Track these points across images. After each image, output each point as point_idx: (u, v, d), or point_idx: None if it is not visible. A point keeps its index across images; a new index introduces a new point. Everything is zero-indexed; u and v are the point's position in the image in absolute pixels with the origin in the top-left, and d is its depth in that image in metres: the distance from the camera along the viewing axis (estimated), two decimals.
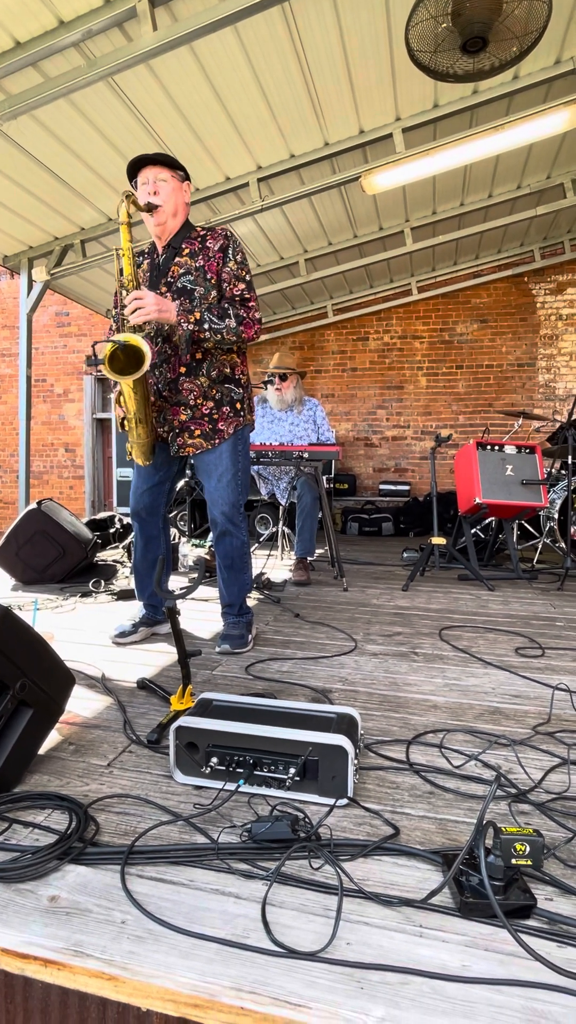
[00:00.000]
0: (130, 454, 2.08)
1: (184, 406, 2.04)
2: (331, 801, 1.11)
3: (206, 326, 1.90)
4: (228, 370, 2.07)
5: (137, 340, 1.80)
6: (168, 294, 1.99)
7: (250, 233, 4.88)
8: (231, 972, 0.76)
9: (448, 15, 2.28)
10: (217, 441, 2.05)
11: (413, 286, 6.50)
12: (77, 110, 3.18)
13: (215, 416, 2.04)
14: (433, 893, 0.87)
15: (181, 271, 2.01)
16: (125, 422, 2.01)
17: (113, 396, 2.06)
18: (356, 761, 1.16)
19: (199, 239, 2.05)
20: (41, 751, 1.33)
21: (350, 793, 1.13)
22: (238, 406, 2.08)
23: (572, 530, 3.98)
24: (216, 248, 2.02)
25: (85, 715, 1.57)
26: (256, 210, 4.04)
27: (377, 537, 6.04)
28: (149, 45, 2.58)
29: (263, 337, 6.99)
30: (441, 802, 1.16)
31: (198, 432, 2.04)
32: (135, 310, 1.83)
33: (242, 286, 2.01)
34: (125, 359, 1.83)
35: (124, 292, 1.91)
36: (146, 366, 1.79)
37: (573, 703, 1.65)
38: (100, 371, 2.08)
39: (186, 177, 2.07)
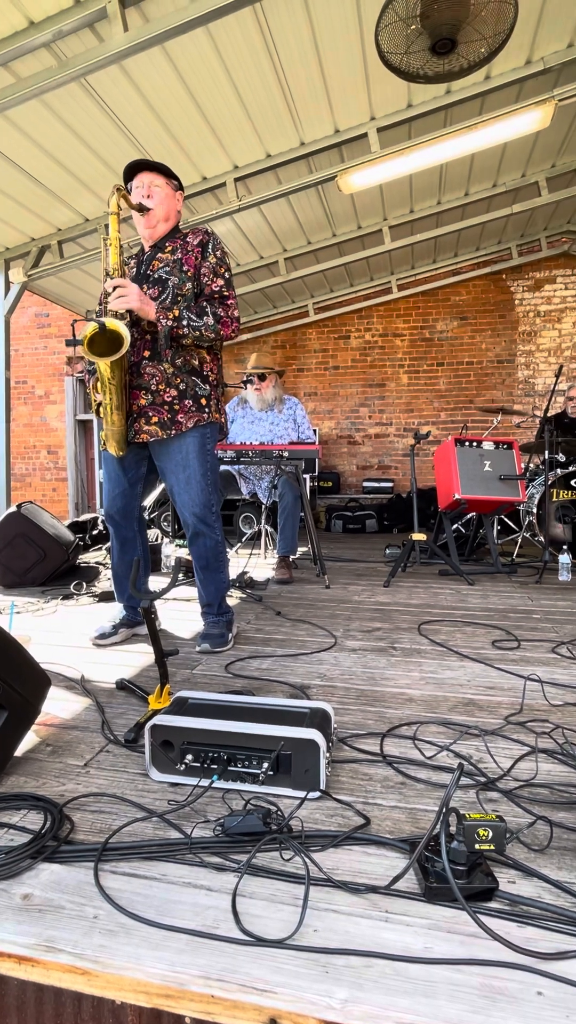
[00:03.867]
0: (104, 443, 2.08)
1: (145, 390, 2.03)
2: (303, 794, 1.13)
3: (184, 323, 1.93)
4: (196, 363, 2.06)
5: (117, 324, 1.82)
6: (145, 286, 2.02)
7: (228, 233, 4.89)
8: (200, 961, 0.78)
9: (417, 17, 2.30)
10: (173, 432, 2.03)
11: (393, 284, 6.55)
12: (50, 111, 3.17)
13: (176, 407, 2.03)
14: (396, 879, 0.90)
15: (160, 265, 2.05)
16: (100, 408, 2.02)
17: (90, 383, 2.06)
18: (328, 754, 1.18)
19: (182, 237, 2.09)
20: (18, 753, 1.33)
21: (322, 786, 1.15)
22: (203, 402, 2.07)
23: (552, 525, 4.04)
24: (195, 243, 2.05)
25: (63, 716, 1.57)
26: (233, 210, 4.05)
27: (361, 534, 6.09)
28: (121, 46, 2.58)
29: (245, 336, 6.99)
30: (412, 792, 1.19)
31: (155, 419, 2.03)
32: (118, 297, 1.86)
33: (221, 282, 2.03)
34: (104, 343, 1.84)
35: (109, 281, 1.93)
36: (124, 348, 1.81)
37: (544, 693, 1.68)
38: (78, 352, 2.08)
39: (180, 187, 2.13)
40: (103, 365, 1.89)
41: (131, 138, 3.48)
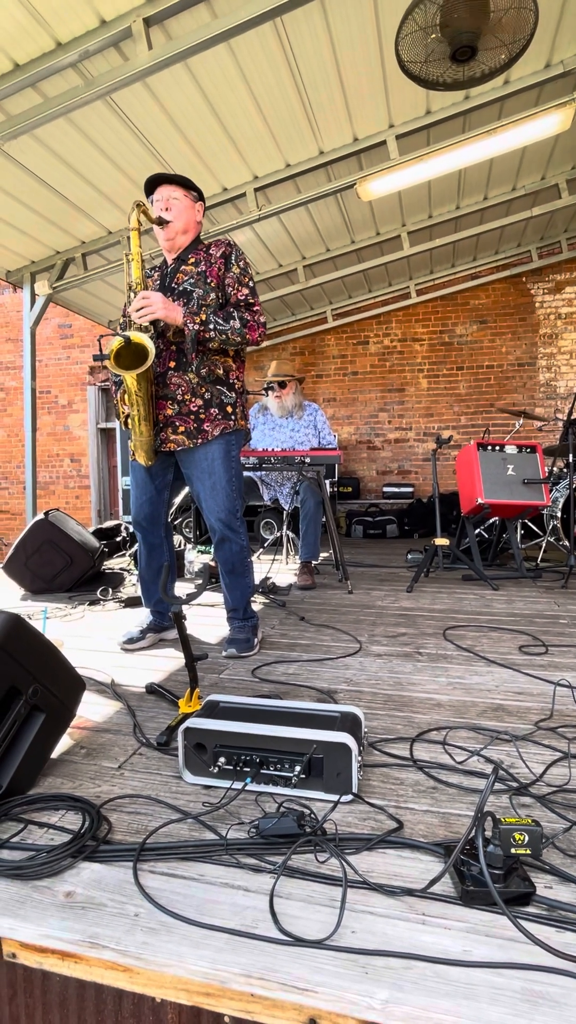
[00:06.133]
0: (133, 454, 2.12)
1: (171, 400, 2.07)
2: (336, 797, 1.14)
3: (211, 327, 1.96)
4: (221, 371, 2.09)
5: (142, 338, 1.86)
6: (171, 297, 2.05)
7: (248, 242, 4.94)
8: (241, 960, 0.79)
9: (436, 26, 2.32)
10: (199, 440, 2.06)
11: (412, 289, 6.55)
12: (76, 128, 3.25)
13: (202, 416, 2.06)
14: (433, 881, 0.90)
15: (185, 278, 2.08)
16: (128, 420, 2.06)
17: (117, 395, 2.11)
18: (360, 758, 1.19)
19: (204, 249, 2.12)
20: (54, 755, 1.36)
21: (354, 789, 1.15)
22: (228, 410, 2.10)
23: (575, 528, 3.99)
24: (218, 255, 2.09)
25: (96, 719, 1.60)
26: (253, 219, 4.10)
27: (382, 539, 6.07)
28: (145, 64, 2.64)
29: (264, 344, 7.05)
30: (444, 797, 1.19)
31: (182, 428, 2.07)
32: (141, 308, 1.90)
33: (245, 291, 2.07)
34: (129, 357, 1.88)
35: (132, 295, 1.97)
36: (150, 361, 1.85)
37: (575, 698, 1.67)
38: (104, 367, 2.13)
39: (200, 198, 2.16)
40: (130, 378, 1.93)
41: (153, 152, 3.55)
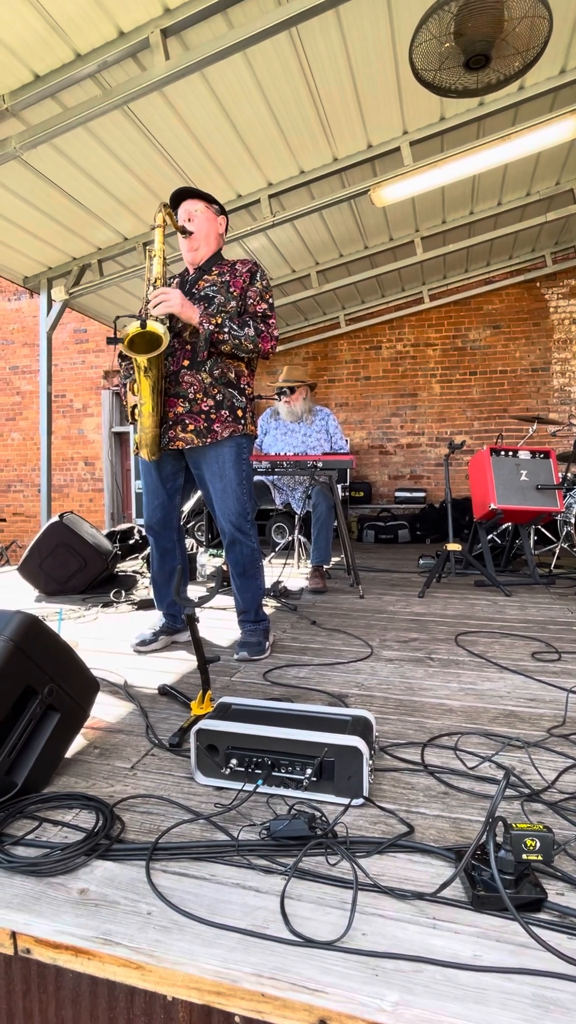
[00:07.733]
0: (136, 449, 2.15)
1: (183, 399, 2.09)
2: (347, 800, 1.15)
3: (226, 329, 2.00)
4: (233, 375, 2.12)
5: (157, 326, 1.89)
6: (192, 301, 2.08)
7: (262, 248, 4.98)
8: (252, 959, 0.80)
9: (451, 35, 2.34)
10: (208, 440, 2.08)
11: (425, 294, 6.55)
12: (94, 137, 3.30)
13: (212, 416, 2.08)
14: (444, 885, 0.90)
15: (207, 284, 2.12)
16: (135, 411, 2.08)
17: (125, 393, 2.13)
18: (371, 762, 1.19)
19: (230, 265, 2.17)
20: (68, 754, 1.38)
21: (365, 793, 1.16)
22: (239, 413, 2.12)
23: None
24: (244, 270, 2.14)
25: (109, 720, 1.62)
26: (267, 226, 4.13)
27: (393, 544, 6.06)
28: (162, 74, 2.69)
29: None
30: (455, 802, 1.19)
31: (191, 427, 2.09)
32: (159, 302, 1.93)
33: (264, 306, 2.12)
34: (143, 346, 1.90)
35: (152, 290, 2.00)
36: (164, 345, 1.87)
37: None
38: (114, 366, 2.16)
39: (222, 212, 2.21)
40: (141, 360, 1.95)
41: (169, 159, 3.59)
